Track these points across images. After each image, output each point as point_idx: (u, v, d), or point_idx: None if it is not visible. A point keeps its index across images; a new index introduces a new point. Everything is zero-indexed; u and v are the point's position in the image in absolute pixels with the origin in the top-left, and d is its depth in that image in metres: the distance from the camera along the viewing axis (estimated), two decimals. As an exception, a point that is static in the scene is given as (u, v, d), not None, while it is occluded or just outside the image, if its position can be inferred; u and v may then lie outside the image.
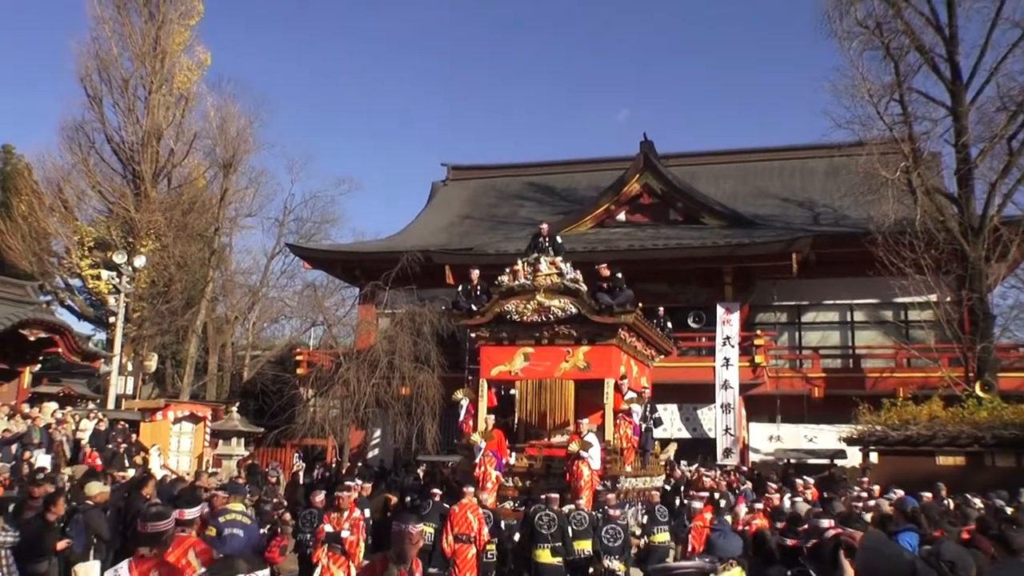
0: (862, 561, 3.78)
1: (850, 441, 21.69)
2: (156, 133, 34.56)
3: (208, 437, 24.69)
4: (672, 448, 19.08)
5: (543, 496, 12.96)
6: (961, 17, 23.93)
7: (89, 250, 33.63)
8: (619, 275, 16.20)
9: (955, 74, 24.01)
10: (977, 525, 8.70)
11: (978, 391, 21.33)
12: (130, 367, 29.44)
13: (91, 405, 25.48)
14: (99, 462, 17.97)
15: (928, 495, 14.23)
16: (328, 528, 10.94)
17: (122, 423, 21.85)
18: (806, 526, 6.93)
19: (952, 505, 13.43)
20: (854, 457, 22.91)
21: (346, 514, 11.13)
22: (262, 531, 10.49)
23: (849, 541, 4.51)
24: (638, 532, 14.09)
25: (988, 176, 24.05)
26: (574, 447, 14.08)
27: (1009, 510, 11.50)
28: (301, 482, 21.98)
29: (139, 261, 28.83)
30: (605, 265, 16.52)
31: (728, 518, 11.69)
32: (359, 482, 15.60)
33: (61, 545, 10.15)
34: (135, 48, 34.40)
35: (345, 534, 10.79)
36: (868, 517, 9.99)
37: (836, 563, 4.84)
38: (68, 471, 16.36)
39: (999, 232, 22.55)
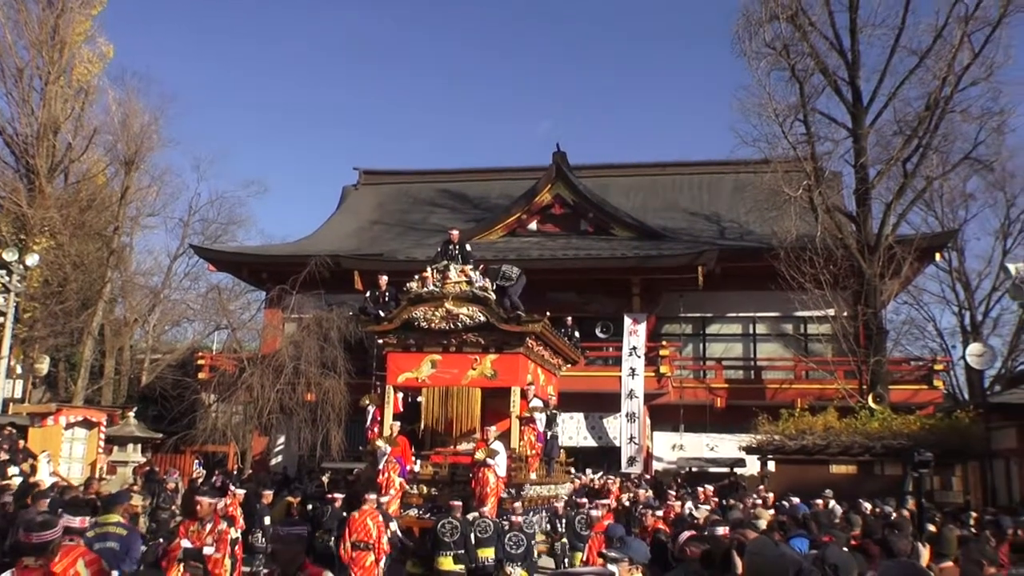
0: (748, 565, 3.91)
1: (749, 450, 22.29)
2: (53, 126, 33.30)
3: (102, 443, 23.94)
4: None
5: (447, 504, 12.98)
6: (863, 43, 24.87)
7: (-24, 247, 32.28)
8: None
9: (856, 97, 24.88)
10: (862, 531, 9.05)
11: (870, 403, 22.14)
12: (19, 370, 28.38)
13: (-24, 410, 24.52)
14: None
15: (819, 502, 14.76)
16: (185, 543, 8.93)
17: (9, 428, 21.03)
18: (704, 533, 7.12)
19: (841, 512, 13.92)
20: (753, 466, 23.49)
21: (209, 526, 9.32)
22: (160, 540, 10.08)
23: (742, 540, 4.66)
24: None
25: (884, 196, 25.06)
26: (480, 454, 14.09)
27: (893, 516, 11.95)
28: (201, 489, 21.52)
29: (31, 259, 27.68)
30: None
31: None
32: (236, 489, 15.31)
33: None
34: (32, 36, 32.96)
35: (208, 550, 8.98)
36: (762, 524, 10.25)
37: (729, 565, 4.99)
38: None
39: (893, 250, 23.42)
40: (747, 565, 3.94)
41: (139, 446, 23.57)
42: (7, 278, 27.01)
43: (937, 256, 28.67)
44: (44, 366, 30.82)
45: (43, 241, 31.33)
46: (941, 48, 23.72)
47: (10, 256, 26.81)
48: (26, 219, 31.74)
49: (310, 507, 16.99)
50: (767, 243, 25.19)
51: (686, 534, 6.85)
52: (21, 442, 20.87)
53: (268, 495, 16.00)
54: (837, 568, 4.21)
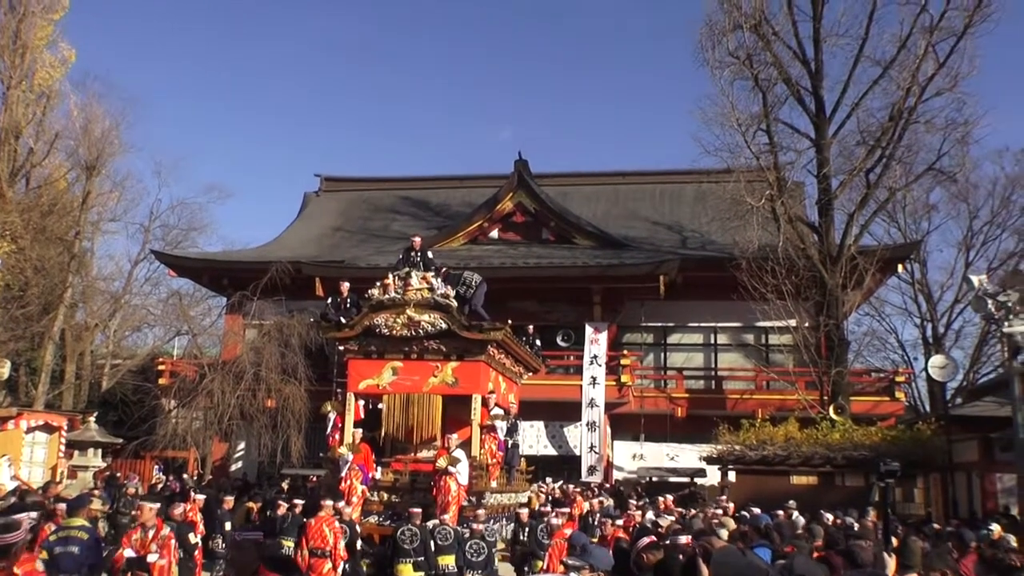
0: (715, 574, 3.85)
1: (710, 460, 22.29)
2: (14, 130, 32.82)
3: (63, 448, 23.59)
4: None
5: (407, 511, 12.86)
6: (826, 53, 24.99)
7: (-63, 252, 31.66)
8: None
9: (819, 107, 25.01)
10: (825, 542, 9.03)
11: (832, 414, 22.20)
12: (-21, 374, 27.83)
13: (-65, 413, 23.95)
14: None
15: (781, 513, 14.75)
16: (128, 553, 8.73)
17: (-31, 433, 20.65)
18: (667, 542, 7.05)
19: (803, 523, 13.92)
20: (714, 476, 23.50)
21: (152, 532, 9.06)
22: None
23: (708, 548, 4.60)
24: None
25: (847, 207, 25.15)
26: (442, 462, 14.02)
27: (856, 527, 11.97)
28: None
29: (-8, 264, 27.34)
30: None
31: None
32: (196, 494, 15.08)
33: None
34: (-8, 41, 32.62)
35: (152, 558, 8.77)
36: (725, 534, 10.22)
37: (694, 573, 4.92)
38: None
39: (855, 261, 23.51)
40: (713, 574, 3.88)
41: (100, 451, 23.20)
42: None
43: (899, 267, 28.83)
44: (5, 370, 30.16)
45: (4, 245, 30.78)
46: (905, 58, 23.91)
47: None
48: (-13, 224, 31.18)
49: (269, 513, 16.87)
50: (729, 253, 25.27)
51: (645, 540, 6.75)
52: (-18, 447, 20.47)
53: (229, 500, 15.78)
54: (803, 578, 4.17)
